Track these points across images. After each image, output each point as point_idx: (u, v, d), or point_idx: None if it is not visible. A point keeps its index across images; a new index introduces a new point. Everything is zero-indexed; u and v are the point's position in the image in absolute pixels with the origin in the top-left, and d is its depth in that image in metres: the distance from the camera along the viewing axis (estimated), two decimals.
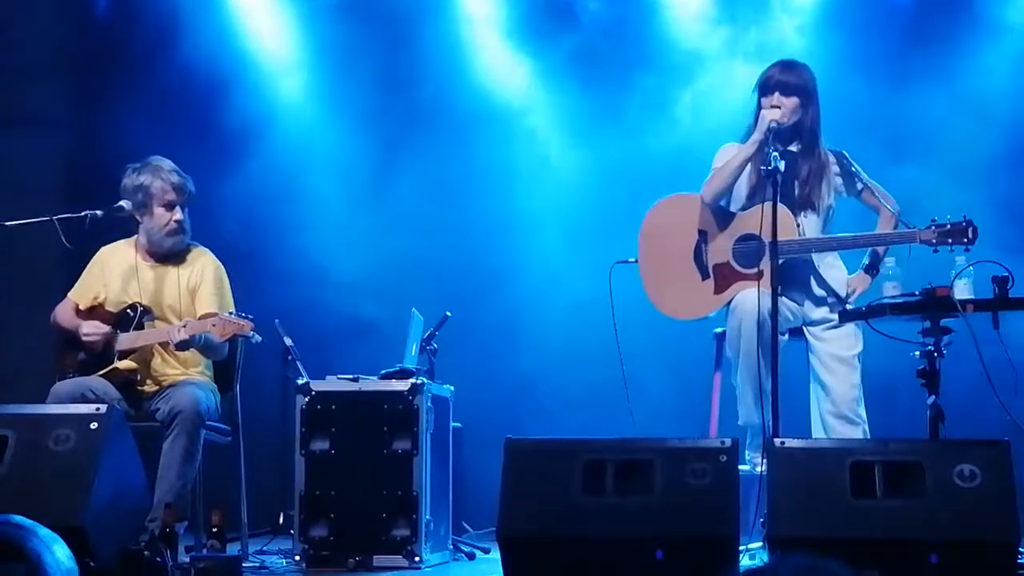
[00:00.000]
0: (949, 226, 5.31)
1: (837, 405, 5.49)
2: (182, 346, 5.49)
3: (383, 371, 5.71)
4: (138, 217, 5.77)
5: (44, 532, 1.84)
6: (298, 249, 7.82)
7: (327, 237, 7.86)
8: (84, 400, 5.32)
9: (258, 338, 5.48)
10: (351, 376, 5.67)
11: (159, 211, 5.73)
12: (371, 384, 5.64)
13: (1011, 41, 7.38)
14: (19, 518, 1.83)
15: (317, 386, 5.63)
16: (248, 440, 5.89)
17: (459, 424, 6.39)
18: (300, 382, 5.68)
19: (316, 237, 7.85)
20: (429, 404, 5.58)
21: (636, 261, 5.80)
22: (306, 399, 5.60)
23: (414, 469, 5.48)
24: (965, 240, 5.29)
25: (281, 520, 6.70)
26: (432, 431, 5.60)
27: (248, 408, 5.95)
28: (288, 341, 6.26)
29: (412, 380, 5.58)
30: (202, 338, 5.50)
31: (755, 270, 5.46)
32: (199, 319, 5.54)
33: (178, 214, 5.74)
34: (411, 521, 5.46)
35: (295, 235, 7.86)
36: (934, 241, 5.31)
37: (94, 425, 4.69)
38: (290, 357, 6.24)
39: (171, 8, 7.96)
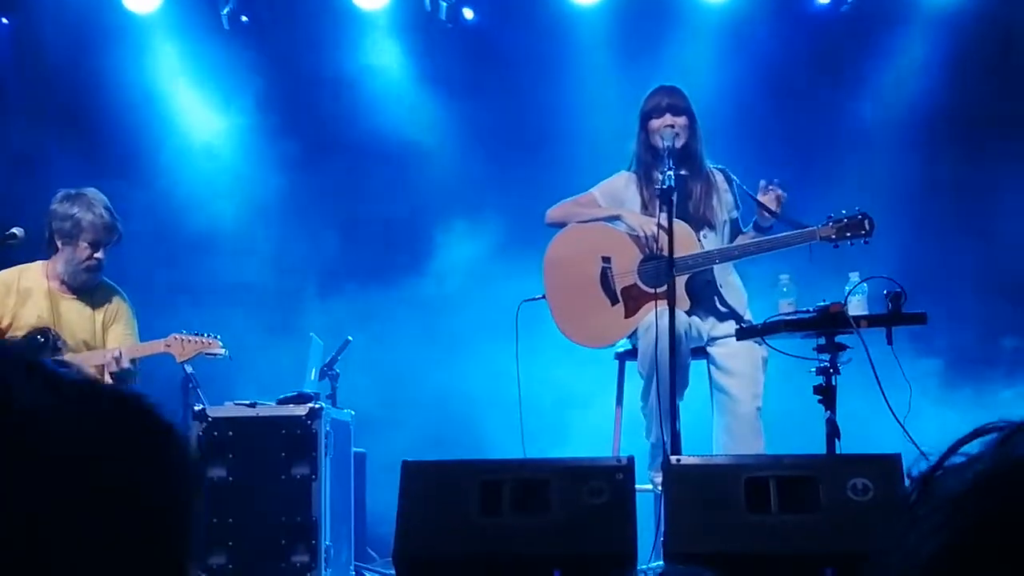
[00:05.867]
0: (845, 220, 5.33)
1: (742, 416, 5.46)
2: (123, 374, 5.44)
3: (281, 396, 5.65)
4: (59, 244, 5.68)
5: None
6: (201, 273, 7.75)
7: (230, 261, 7.79)
8: None
9: (228, 354, 5.47)
10: (248, 402, 5.61)
11: (83, 246, 5.66)
12: (268, 409, 5.58)
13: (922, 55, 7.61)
14: None
15: (214, 412, 5.56)
16: None
17: (363, 449, 6.34)
18: (196, 408, 5.61)
19: (220, 261, 7.78)
20: (328, 428, 5.53)
21: (544, 297, 5.76)
22: (202, 426, 5.53)
23: (313, 494, 5.42)
24: (863, 232, 5.31)
25: None
26: (332, 456, 5.55)
27: None
28: (188, 368, 6.18)
29: (310, 405, 5.53)
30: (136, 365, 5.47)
31: (663, 289, 5.46)
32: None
33: (100, 253, 5.69)
34: (311, 547, 5.40)
35: (197, 259, 7.78)
36: (833, 236, 5.33)
37: None
38: (191, 385, 6.16)
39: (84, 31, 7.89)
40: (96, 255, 5.68)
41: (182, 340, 5.40)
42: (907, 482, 0.95)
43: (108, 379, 5.56)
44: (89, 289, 5.77)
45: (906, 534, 0.90)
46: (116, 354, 5.46)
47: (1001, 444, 0.90)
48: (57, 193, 5.75)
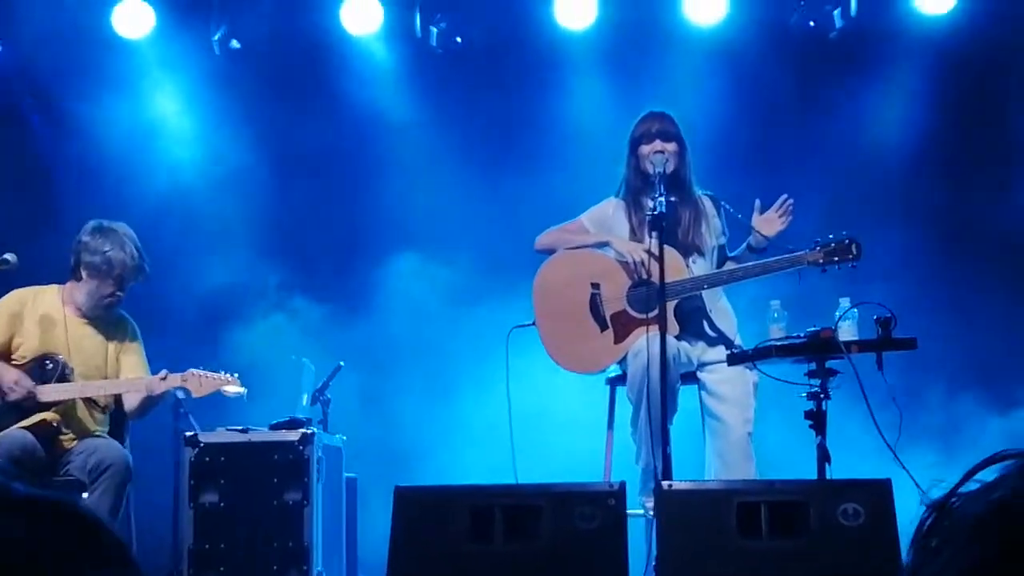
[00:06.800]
0: (833, 244, 5.36)
1: (733, 440, 5.46)
2: (149, 401, 5.56)
3: (273, 422, 5.65)
4: (84, 275, 5.68)
5: None
6: (191, 297, 7.74)
7: (219, 288, 7.79)
8: None
9: (245, 393, 5.50)
10: (240, 427, 5.61)
11: (109, 283, 5.66)
12: (261, 435, 5.59)
13: (898, 84, 7.66)
14: None
15: (206, 438, 5.57)
16: (141, 495, 5.80)
17: (354, 475, 6.34)
18: (188, 434, 5.61)
19: (209, 287, 7.78)
20: (320, 454, 5.53)
21: (534, 324, 5.77)
22: (195, 451, 5.53)
23: (305, 520, 5.43)
24: (850, 257, 5.34)
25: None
26: (324, 481, 5.55)
27: (140, 462, 5.86)
28: (180, 394, 6.18)
29: (302, 430, 5.54)
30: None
31: (652, 314, 5.47)
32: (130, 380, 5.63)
33: (123, 291, 5.71)
34: (302, 573, 5.41)
35: (186, 285, 7.77)
36: (821, 261, 5.36)
37: None
38: (182, 410, 6.16)
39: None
40: (119, 292, 5.70)
41: (200, 376, 5.42)
42: (922, 509, 0.96)
43: (136, 404, 5.60)
44: (103, 317, 5.79)
45: (924, 564, 0.90)
46: (157, 387, 5.51)
47: (1019, 471, 0.91)
48: (87, 224, 5.76)
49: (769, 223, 5.61)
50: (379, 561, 6.23)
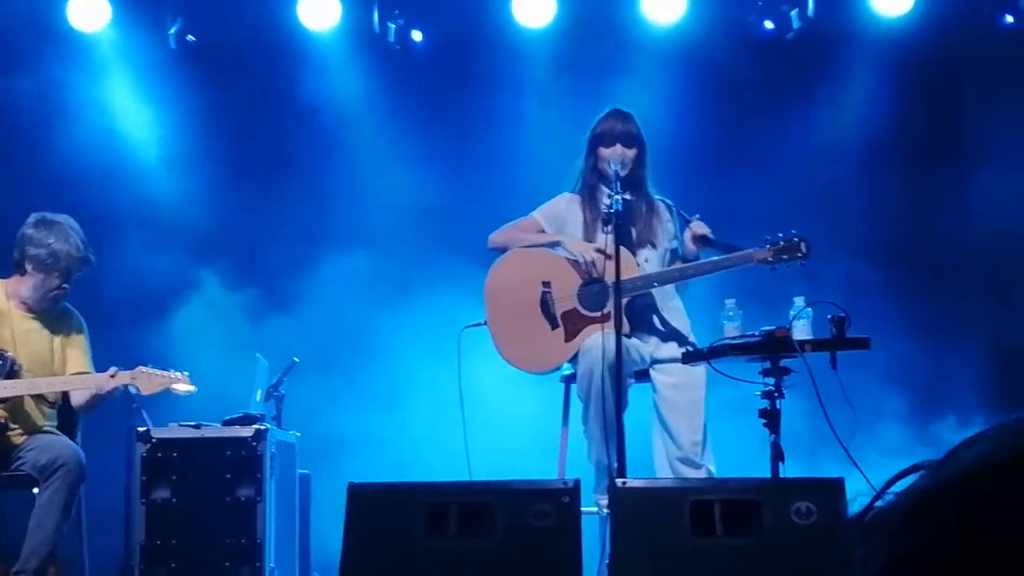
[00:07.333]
0: (782, 243, 5.36)
1: (681, 448, 5.47)
2: (97, 399, 5.47)
3: (226, 417, 5.62)
4: (28, 269, 5.61)
5: None
6: (142, 293, 7.68)
7: (171, 283, 7.73)
8: None
9: (196, 390, 5.44)
10: (193, 423, 5.58)
11: (55, 275, 5.60)
12: (214, 431, 5.56)
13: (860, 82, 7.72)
14: None
15: (158, 433, 5.53)
16: (92, 491, 5.75)
17: (307, 471, 6.31)
18: (140, 429, 5.57)
19: (160, 281, 7.72)
20: (273, 450, 5.51)
21: (485, 323, 5.76)
22: (147, 447, 5.50)
23: (258, 516, 5.40)
24: (799, 255, 5.34)
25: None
26: (277, 477, 5.52)
27: (92, 457, 5.81)
28: (133, 389, 6.13)
29: (256, 426, 5.51)
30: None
31: (602, 312, 5.48)
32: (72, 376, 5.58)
33: (68, 283, 5.65)
34: (255, 569, 5.38)
35: (137, 278, 7.71)
36: (770, 259, 5.36)
37: None
38: (135, 405, 6.11)
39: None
40: (65, 285, 5.65)
41: (149, 374, 5.36)
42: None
43: (84, 400, 5.54)
44: (49, 311, 5.73)
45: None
46: (107, 385, 5.44)
47: (927, 478, 0.92)
48: (30, 216, 5.69)
49: (689, 235, 5.63)
50: (332, 558, 6.22)
